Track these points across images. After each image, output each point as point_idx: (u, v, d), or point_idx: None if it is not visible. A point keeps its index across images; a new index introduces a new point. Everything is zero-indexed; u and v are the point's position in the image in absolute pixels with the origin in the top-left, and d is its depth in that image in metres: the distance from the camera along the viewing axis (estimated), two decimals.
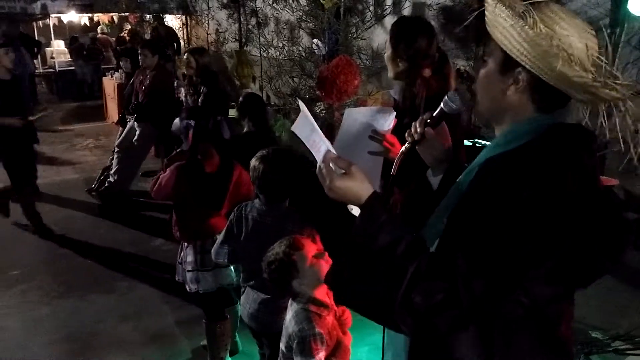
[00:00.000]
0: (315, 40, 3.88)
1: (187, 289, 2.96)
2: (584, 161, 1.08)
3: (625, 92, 1.07)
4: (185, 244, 2.93)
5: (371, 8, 4.09)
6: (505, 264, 1.03)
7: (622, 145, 1.09)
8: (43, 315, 3.80)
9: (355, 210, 1.24)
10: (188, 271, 2.89)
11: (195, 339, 3.42)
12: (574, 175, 1.05)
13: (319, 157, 1.28)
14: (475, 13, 1.22)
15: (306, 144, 1.34)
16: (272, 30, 5.95)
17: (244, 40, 7.58)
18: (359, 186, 1.22)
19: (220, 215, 2.81)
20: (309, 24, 4.05)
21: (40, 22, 13.87)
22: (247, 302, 2.44)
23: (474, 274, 1.02)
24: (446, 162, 1.45)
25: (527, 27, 1.08)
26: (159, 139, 6.35)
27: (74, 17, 14.03)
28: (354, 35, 3.89)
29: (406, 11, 6.11)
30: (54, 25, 13.66)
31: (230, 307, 3.15)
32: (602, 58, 1.13)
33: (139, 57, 5.75)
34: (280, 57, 4.79)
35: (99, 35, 13.30)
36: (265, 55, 5.36)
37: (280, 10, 5.17)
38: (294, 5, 4.48)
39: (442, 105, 1.41)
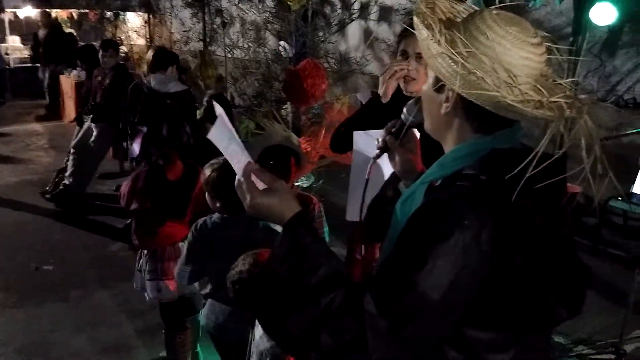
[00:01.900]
0: (282, 43, 3.82)
1: (146, 297, 2.85)
2: (509, 200, 0.95)
3: (565, 111, 0.98)
4: (145, 251, 2.82)
5: (339, 11, 4.05)
6: (415, 306, 0.94)
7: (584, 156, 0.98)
8: None
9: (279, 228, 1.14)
10: (148, 280, 2.78)
11: (154, 350, 3.30)
12: (497, 218, 0.95)
13: (238, 169, 1.16)
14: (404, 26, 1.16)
15: (224, 154, 1.19)
16: (238, 30, 5.86)
17: (208, 40, 7.45)
18: (283, 204, 1.11)
19: (182, 222, 2.71)
20: (275, 26, 3.98)
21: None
22: (212, 314, 2.34)
23: (381, 314, 0.94)
24: (413, 173, 1.37)
25: (442, 44, 1.00)
26: (117, 140, 6.16)
27: (30, 12, 13.55)
28: (322, 39, 3.84)
29: (373, 15, 6.13)
30: (10, 20, 13.16)
31: (192, 316, 3.05)
32: (549, 73, 1.07)
33: (99, 56, 5.56)
34: (246, 59, 4.71)
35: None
36: (230, 56, 5.26)
37: (247, 11, 5.10)
38: (260, 7, 4.41)
39: (402, 116, 1.35)
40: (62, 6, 12.62)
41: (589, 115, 0.98)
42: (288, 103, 3.90)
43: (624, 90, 5.57)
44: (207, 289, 2.36)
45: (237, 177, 1.16)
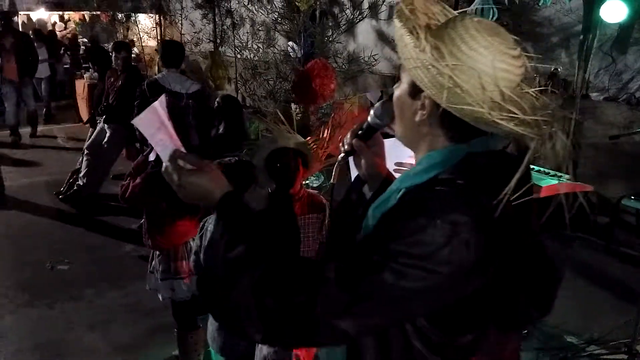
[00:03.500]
0: (290, 43, 3.83)
1: (160, 297, 2.88)
2: (483, 203, 0.96)
3: (543, 128, 0.97)
4: (157, 252, 2.85)
5: (347, 11, 4.07)
6: (375, 289, 0.95)
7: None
8: (9, 324, 3.67)
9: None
10: (161, 279, 2.81)
11: (166, 349, 3.33)
12: (470, 221, 0.94)
13: (164, 156, 1.17)
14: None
15: (150, 141, 1.22)
16: (247, 31, 5.88)
17: (218, 41, 7.48)
18: (212, 183, 1.12)
19: (194, 221, 2.73)
20: (284, 26, 3.99)
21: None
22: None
23: (340, 287, 0.95)
24: (378, 177, 1.34)
25: (428, 53, 0.98)
26: (130, 140, 6.22)
27: (43, 14, 13.70)
28: (330, 39, 3.85)
29: (383, 15, 6.12)
30: (23, 22, 13.31)
31: (203, 315, 3.07)
32: (526, 88, 1.04)
33: (112, 58, 5.62)
34: (255, 59, 4.74)
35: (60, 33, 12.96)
36: (240, 56, 5.29)
37: (255, 12, 5.11)
38: (269, 7, 4.43)
39: (369, 118, 1.31)
40: (74, 8, 12.74)
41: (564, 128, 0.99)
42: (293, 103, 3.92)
43: (635, 88, 5.52)
44: None
45: (163, 164, 1.16)
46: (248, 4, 5.34)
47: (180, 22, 8.23)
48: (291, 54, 3.92)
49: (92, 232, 5.15)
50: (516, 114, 0.97)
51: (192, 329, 2.95)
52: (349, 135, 1.34)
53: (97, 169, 5.79)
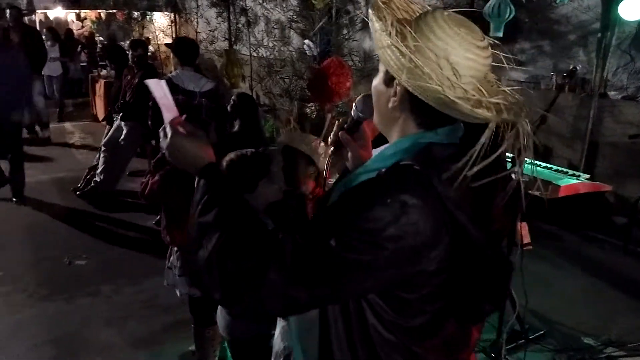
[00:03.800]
0: (306, 41, 3.83)
1: (177, 293, 2.90)
2: (437, 191, 1.00)
3: (503, 113, 1.02)
4: (175, 248, 2.87)
5: (363, 9, 4.05)
6: (327, 260, 0.99)
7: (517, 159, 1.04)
8: (27, 318, 3.71)
9: None
10: (179, 275, 2.83)
11: (182, 344, 3.35)
12: (420, 204, 0.98)
13: (167, 118, 1.28)
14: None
15: (158, 101, 1.31)
16: (262, 29, 5.90)
17: (233, 39, 7.50)
18: (198, 151, 1.22)
19: None
20: (299, 25, 3.99)
21: (26, 18, 13.65)
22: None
23: (294, 257, 1.00)
24: None
25: (392, 36, 1.03)
26: (146, 138, 6.26)
27: (60, 13, 13.85)
28: (346, 37, 3.84)
29: None
30: (40, 21, 13.47)
31: None
32: (491, 77, 1.11)
33: (129, 56, 5.66)
34: (271, 57, 4.74)
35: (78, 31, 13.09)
36: (255, 54, 5.30)
37: (271, 10, 5.13)
38: (284, 5, 4.44)
39: (352, 112, 1.40)
40: (90, 6, 12.87)
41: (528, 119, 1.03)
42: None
43: None
44: None
45: (164, 125, 1.27)
46: (263, 2, 5.35)
47: (196, 20, 8.26)
48: (307, 52, 3.92)
49: (109, 228, 5.21)
50: (473, 95, 1.02)
51: (209, 325, 2.96)
52: (335, 129, 1.43)
53: (114, 166, 5.85)
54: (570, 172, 3.13)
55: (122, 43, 9.03)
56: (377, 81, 1.18)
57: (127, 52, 5.90)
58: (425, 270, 1.03)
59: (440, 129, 1.10)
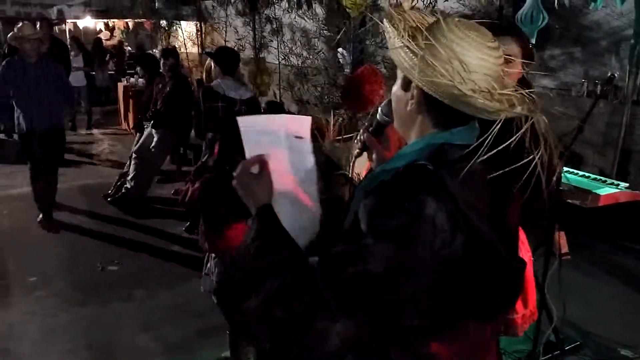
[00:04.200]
0: (340, 50, 3.85)
1: (215, 300, 2.92)
2: (449, 191, 1.03)
3: (516, 106, 1.05)
4: (213, 254, 2.90)
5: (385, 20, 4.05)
6: (355, 279, 1.01)
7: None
8: (62, 323, 3.77)
9: None
10: (217, 282, 2.85)
11: (215, 351, 3.36)
12: (434, 200, 1.01)
13: (250, 153, 1.33)
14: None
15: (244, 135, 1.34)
16: (290, 38, 5.94)
17: (258, 47, 7.57)
18: (259, 192, 1.26)
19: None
20: (329, 33, 4.02)
21: (56, 28, 13.99)
22: None
23: (327, 286, 1.02)
24: None
25: (405, 37, 1.08)
26: (176, 146, 6.36)
27: (89, 22, 14.13)
28: (379, 44, 3.86)
29: None
30: (69, 30, 13.76)
31: None
32: (503, 73, 1.11)
33: (161, 64, 5.76)
34: (303, 66, 4.77)
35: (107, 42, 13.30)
36: (285, 63, 5.34)
37: (299, 18, 5.15)
38: (309, 13, 4.45)
39: (377, 116, 1.44)
40: (119, 16, 13.10)
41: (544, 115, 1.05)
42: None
43: None
44: None
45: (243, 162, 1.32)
46: (291, 11, 5.39)
47: (224, 29, 8.35)
48: (340, 60, 3.94)
49: (140, 234, 5.26)
50: (485, 89, 1.05)
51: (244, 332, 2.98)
52: (361, 131, 1.49)
53: (145, 173, 5.93)
54: (609, 180, 3.08)
55: (152, 51, 9.17)
56: (395, 87, 1.22)
57: (159, 61, 5.99)
58: (448, 270, 1.05)
59: (455, 128, 1.13)
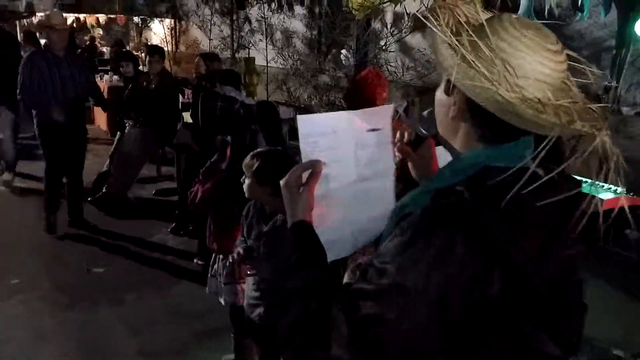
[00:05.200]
0: (343, 51, 3.84)
1: (222, 301, 2.87)
2: (486, 224, 0.88)
3: (576, 122, 0.89)
4: (221, 256, 2.84)
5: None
6: (371, 317, 0.91)
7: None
8: (50, 327, 3.64)
9: None
10: (225, 284, 2.80)
11: (214, 353, 3.30)
12: (464, 236, 0.88)
13: (306, 157, 1.21)
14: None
15: (302, 140, 1.22)
16: (279, 38, 5.91)
17: (235, 47, 7.50)
18: (299, 206, 1.16)
19: None
20: (330, 35, 4.01)
21: (25, 21, 13.50)
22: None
23: (346, 319, 0.92)
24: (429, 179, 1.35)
25: (447, 33, 0.98)
26: (159, 144, 6.23)
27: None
28: (383, 47, 3.86)
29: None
30: (26, 24, 13.28)
31: None
32: (569, 82, 0.99)
33: (146, 62, 5.62)
34: (301, 67, 4.74)
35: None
36: (284, 64, 5.29)
37: (283, 20, 5.12)
38: (321, 12, 4.42)
39: (417, 127, 1.41)
40: (90, 11, 12.78)
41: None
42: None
43: None
44: None
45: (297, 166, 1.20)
46: (280, 12, 5.35)
47: (209, 28, 8.21)
48: (344, 62, 3.93)
49: (123, 235, 5.11)
50: (536, 98, 0.91)
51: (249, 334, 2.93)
52: (398, 137, 1.36)
53: (126, 172, 5.78)
54: (607, 185, 3.16)
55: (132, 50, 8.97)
56: (439, 91, 1.10)
57: (144, 58, 5.86)
58: (485, 312, 0.90)
59: (506, 144, 0.98)
